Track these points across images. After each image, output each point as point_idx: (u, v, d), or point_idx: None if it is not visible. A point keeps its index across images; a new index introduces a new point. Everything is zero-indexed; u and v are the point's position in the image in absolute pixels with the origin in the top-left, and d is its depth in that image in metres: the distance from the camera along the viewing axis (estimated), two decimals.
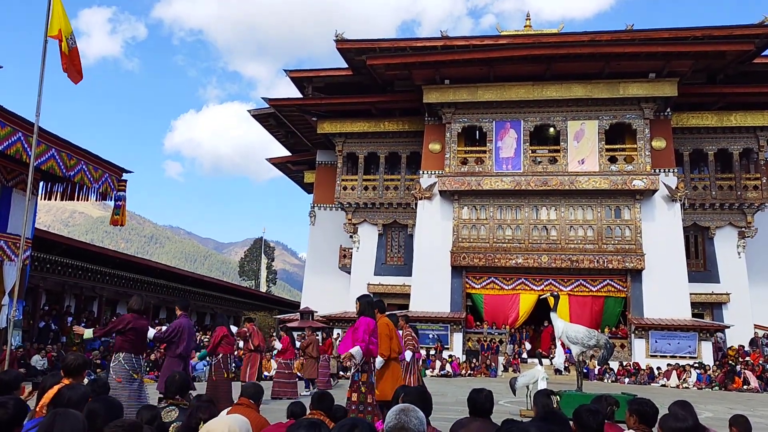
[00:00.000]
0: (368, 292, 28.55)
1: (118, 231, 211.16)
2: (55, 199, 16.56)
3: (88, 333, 8.22)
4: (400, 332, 11.12)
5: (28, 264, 15.83)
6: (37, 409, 5.35)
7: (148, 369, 17.27)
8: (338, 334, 26.72)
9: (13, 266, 14.29)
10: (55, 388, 5.31)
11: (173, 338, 9.19)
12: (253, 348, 13.32)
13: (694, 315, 25.36)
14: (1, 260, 14.84)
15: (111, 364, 8.02)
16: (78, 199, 16.15)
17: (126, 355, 7.81)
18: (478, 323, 27.02)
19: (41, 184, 16.18)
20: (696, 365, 23.50)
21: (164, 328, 9.87)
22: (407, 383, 10.87)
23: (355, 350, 7.31)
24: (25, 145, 12.71)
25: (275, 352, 15.87)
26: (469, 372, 24.71)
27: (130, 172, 16.85)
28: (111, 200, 16.35)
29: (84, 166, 15.02)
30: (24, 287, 14.60)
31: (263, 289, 60.12)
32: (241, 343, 16.14)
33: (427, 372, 23.79)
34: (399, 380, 8.23)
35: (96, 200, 16.69)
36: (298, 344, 17.00)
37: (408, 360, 11.19)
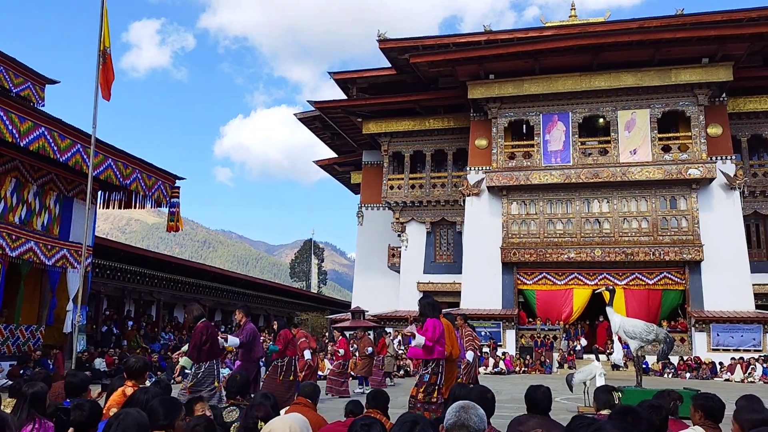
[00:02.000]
0: (418, 291, 28.58)
1: (173, 237, 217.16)
2: (114, 208, 17.17)
3: (186, 361, 8.11)
4: (458, 332, 11.09)
5: (90, 271, 16.45)
6: (105, 411, 5.56)
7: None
8: (389, 332, 26.79)
9: (76, 273, 14.88)
10: (119, 390, 5.51)
11: (250, 343, 9.39)
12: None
13: (757, 306, 24.41)
14: (65, 267, 15.48)
15: (196, 375, 8.11)
16: (135, 207, 16.72)
17: (209, 364, 8.04)
18: (530, 319, 26.67)
19: (99, 193, 16.79)
20: (762, 358, 22.63)
21: (231, 337, 9.93)
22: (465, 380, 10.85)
23: (419, 338, 7.38)
24: (84, 156, 13.21)
25: (331, 354, 15.98)
26: (523, 369, 24.42)
27: (183, 179, 17.33)
28: (166, 207, 16.84)
29: (138, 175, 15.53)
30: (87, 293, 15.18)
31: (314, 289, 60.84)
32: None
33: (480, 369, 23.63)
34: (454, 380, 8.23)
35: (152, 207, 17.23)
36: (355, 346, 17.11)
37: (470, 360, 11.15)
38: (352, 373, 17.09)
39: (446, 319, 8.84)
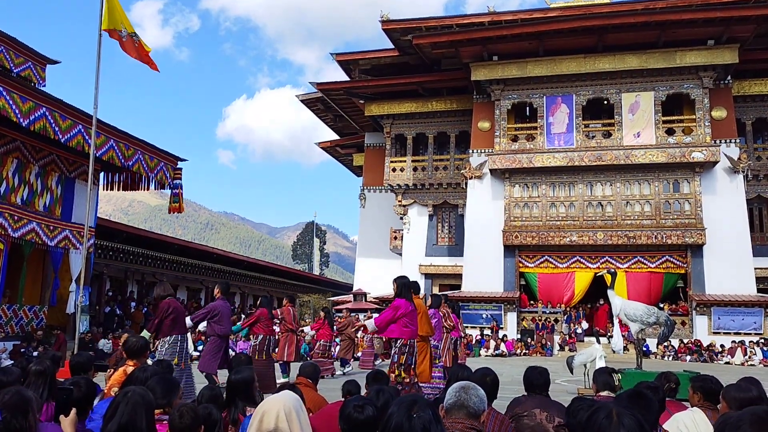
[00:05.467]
0: (420, 274, 28.65)
1: (175, 218, 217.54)
2: (117, 189, 17.16)
3: (145, 333, 8.49)
4: (440, 313, 11.19)
5: (92, 252, 16.49)
6: (107, 390, 5.60)
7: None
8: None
9: (79, 254, 14.91)
10: (120, 369, 5.55)
11: (211, 319, 9.55)
12: (288, 329, 13.53)
13: (759, 290, 24.41)
14: (67, 248, 15.51)
15: (159, 349, 8.36)
16: (138, 189, 16.70)
17: (173, 339, 8.19)
18: (532, 302, 26.73)
19: (102, 174, 16.78)
20: (762, 342, 22.70)
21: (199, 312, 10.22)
22: (444, 363, 10.94)
23: (369, 323, 7.86)
24: (86, 137, 13.18)
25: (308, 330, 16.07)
26: (524, 351, 24.53)
27: (185, 160, 17.29)
28: (168, 189, 16.83)
29: (141, 156, 15.50)
30: (89, 274, 15.23)
31: (316, 271, 61.01)
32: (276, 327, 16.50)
33: (482, 352, 23.76)
34: (429, 360, 8.49)
35: (155, 189, 17.23)
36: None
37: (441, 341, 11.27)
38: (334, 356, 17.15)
39: (421, 300, 8.99)
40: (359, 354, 17.93)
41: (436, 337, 10.47)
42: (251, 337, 11.25)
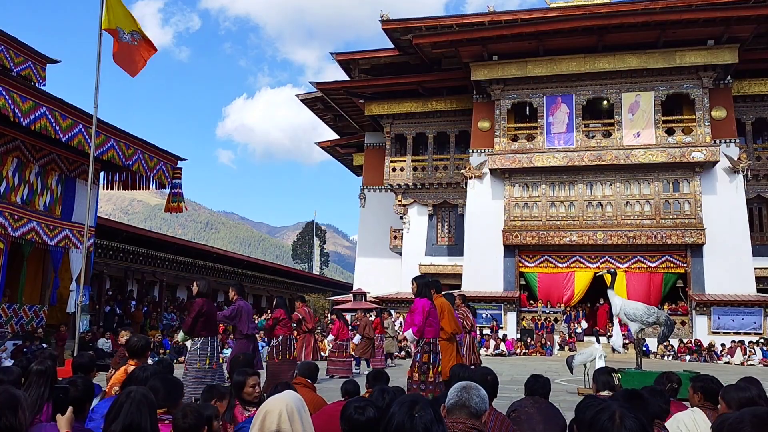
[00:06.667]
0: (420, 273, 28.61)
1: (175, 218, 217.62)
2: (118, 189, 17.14)
3: (181, 336, 8.70)
4: (459, 313, 11.14)
5: (92, 251, 16.48)
6: (107, 390, 5.60)
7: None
8: (390, 313, 26.88)
9: (79, 253, 14.90)
10: (122, 369, 5.55)
11: (235, 319, 9.52)
12: (306, 330, 13.57)
13: (759, 290, 24.43)
14: (67, 248, 15.50)
15: (190, 349, 8.36)
16: (138, 188, 16.68)
17: (203, 340, 8.15)
18: (532, 302, 26.74)
19: (102, 174, 16.77)
20: (761, 342, 22.70)
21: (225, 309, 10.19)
22: (466, 362, 10.92)
23: (408, 334, 7.61)
24: (86, 136, 13.18)
25: (330, 337, 16.03)
26: (523, 351, 24.53)
27: (185, 159, 17.28)
28: (169, 188, 16.82)
29: (140, 155, 15.49)
30: (89, 273, 15.21)
31: (316, 271, 61.01)
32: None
33: (481, 351, 23.75)
34: (455, 359, 8.34)
35: (155, 188, 17.21)
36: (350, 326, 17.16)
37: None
38: (353, 354, 17.18)
39: (444, 299, 8.92)
40: None
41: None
42: (273, 338, 11.24)
